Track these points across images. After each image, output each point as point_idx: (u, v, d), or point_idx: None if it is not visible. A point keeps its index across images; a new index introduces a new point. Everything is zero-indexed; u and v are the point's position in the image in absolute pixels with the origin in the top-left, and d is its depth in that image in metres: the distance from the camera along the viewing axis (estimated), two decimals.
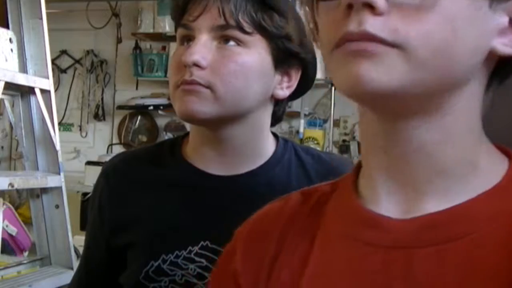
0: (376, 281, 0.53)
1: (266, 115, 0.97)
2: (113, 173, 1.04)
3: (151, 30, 4.32)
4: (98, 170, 3.88)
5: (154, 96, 4.46)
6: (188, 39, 0.90)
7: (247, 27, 0.88)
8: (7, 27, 1.82)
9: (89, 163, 3.95)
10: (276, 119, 1.01)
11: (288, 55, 0.93)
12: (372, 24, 0.48)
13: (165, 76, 4.31)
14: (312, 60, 0.97)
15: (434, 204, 0.53)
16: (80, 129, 4.66)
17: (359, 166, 0.61)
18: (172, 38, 4.27)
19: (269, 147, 1.00)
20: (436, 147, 0.53)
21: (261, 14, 0.89)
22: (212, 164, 0.97)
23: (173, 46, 4.26)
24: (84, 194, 3.84)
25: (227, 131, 0.94)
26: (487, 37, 0.51)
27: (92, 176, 3.81)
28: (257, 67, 0.90)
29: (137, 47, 4.44)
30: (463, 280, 0.50)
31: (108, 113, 4.62)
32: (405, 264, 0.52)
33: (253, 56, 0.90)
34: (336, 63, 0.51)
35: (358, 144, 4.01)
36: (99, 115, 4.60)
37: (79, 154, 4.62)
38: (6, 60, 1.72)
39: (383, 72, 0.48)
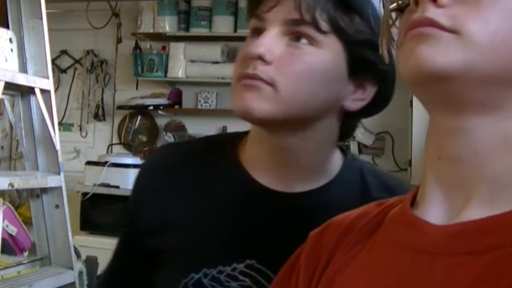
0: (400, 282, 0.54)
1: (332, 127, 0.87)
2: (156, 167, 0.96)
3: (151, 30, 4.32)
4: (98, 170, 3.87)
5: (154, 96, 4.46)
6: (259, 31, 0.82)
7: (323, 25, 0.79)
8: (7, 27, 1.82)
9: (89, 163, 3.95)
10: (343, 135, 0.90)
11: (365, 65, 0.82)
12: (432, 11, 0.51)
13: (165, 76, 4.31)
14: (392, 76, 0.86)
15: (479, 213, 0.52)
16: (80, 129, 4.66)
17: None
18: (172, 38, 4.27)
19: (333, 165, 0.90)
20: (492, 152, 0.52)
21: (341, 14, 0.81)
22: (269, 176, 0.88)
23: (173, 46, 4.26)
24: (84, 194, 3.84)
25: (287, 139, 0.85)
26: None
27: (92, 176, 3.82)
28: (328, 71, 0.81)
29: (137, 47, 4.44)
30: None
31: (108, 113, 4.62)
32: (427, 269, 0.52)
33: (325, 59, 0.81)
34: (402, 54, 0.53)
35: (358, 144, 4.01)
36: (99, 115, 4.59)
37: (79, 154, 4.62)
38: (6, 60, 1.72)
39: (439, 53, 0.50)
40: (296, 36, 0.80)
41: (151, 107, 4.37)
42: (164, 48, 4.37)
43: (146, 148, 4.45)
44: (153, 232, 0.92)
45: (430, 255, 0.52)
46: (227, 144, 0.93)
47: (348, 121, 0.89)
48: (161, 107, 4.36)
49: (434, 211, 0.56)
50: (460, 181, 0.54)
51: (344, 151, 0.94)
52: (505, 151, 0.52)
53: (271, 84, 0.80)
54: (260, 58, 0.79)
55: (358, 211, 0.68)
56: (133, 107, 4.43)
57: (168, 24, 4.26)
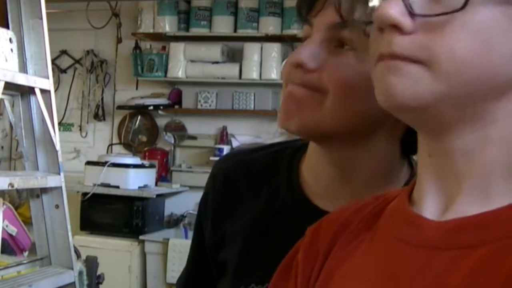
0: (400, 276, 0.55)
1: (391, 141, 0.82)
2: (222, 178, 0.94)
3: (151, 30, 4.32)
4: (98, 170, 3.87)
5: (154, 96, 4.47)
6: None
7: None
8: (7, 27, 1.82)
9: (89, 163, 3.95)
10: (408, 146, 0.83)
11: None
12: (399, 44, 0.51)
13: (165, 76, 4.31)
14: None
15: (471, 207, 0.54)
16: (80, 129, 4.66)
17: None
18: (172, 38, 4.28)
19: (398, 180, 0.84)
20: (480, 152, 0.54)
21: None
22: (327, 196, 0.84)
23: (173, 46, 4.26)
24: (84, 194, 3.84)
25: (344, 154, 0.82)
26: None
27: (92, 176, 3.82)
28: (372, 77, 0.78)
29: (137, 47, 4.44)
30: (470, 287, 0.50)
31: (108, 113, 4.62)
32: (427, 263, 0.53)
33: (368, 65, 0.78)
34: (375, 79, 0.55)
35: None
36: (99, 115, 4.60)
37: (79, 154, 4.63)
38: (6, 60, 1.72)
39: (408, 86, 0.51)
40: (340, 43, 0.77)
41: (151, 107, 4.37)
42: (164, 48, 4.37)
43: (146, 148, 4.45)
44: (216, 244, 0.93)
45: (429, 250, 0.54)
46: (290, 158, 0.91)
47: (410, 136, 0.79)
48: (161, 107, 4.36)
49: (430, 206, 0.57)
50: (451, 178, 0.56)
51: (411, 163, 0.87)
52: (491, 150, 0.53)
53: (316, 90, 0.77)
54: (302, 66, 0.77)
55: (355, 205, 0.68)
56: (133, 107, 4.43)
57: (168, 24, 4.26)
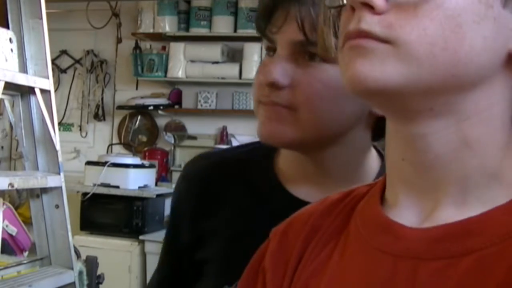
0: None
1: (363, 134, 0.84)
2: (195, 179, 0.94)
3: (151, 30, 4.32)
4: (98, 170, 3.86)
5: (154, 96, 4.47)
6: (274, 49, 0.81)
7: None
8: (7, 27, 1.82)
9: (89, 163, 3.95)
10: (376, 135, 0.87)
11: None
12: (368, 22, 0.49)
13: (165, 76, 4.31)
14: None
15: (450, 214, 0.52)
16: (80, 129, 4.66)
17: None
18: (172, 38, 4.27)
19: (370, 169, 0.87)
20: (454, 156, 0.52)
21: None
22: (305, 188, 0.86)
23: (173, 46, 4.26)
24: (84, 194, 3.84)
25: (318, 154, 0.83)
26: (504, 37, 0.49)
27: (92, 176, 3.82)
28: None
29: (137, 47, 4.44)
30: None
31: (108, 113, 4.62)
32: (410, 275, 0.51)
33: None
34: (341, 62, 0.52)
35: None
36: (99, 115, 4.60)
37: (79, 154, 4.63)
38: (6, 60, 1.72)
39: (375, 67, 0.48)
40: (308, 56, 0.78)
41: (151, 107, 4.37)
42: (164, 48, 4.37)
43: (146, 148, 4.45)
44: (193, 244, 0.92)
45: (412, 260, 0.51)
46: (264, 155, 0.92)
47: (381, 123, 0.86)
48: (161, 107, 4.36)
49: (407, 213, 0.55)
50: (428, 184, 0.54)
51: (380, 151, 0.91)
52: (467, 154, 0.51)
53: (289, 107, 0.78)
54: (273, 85, 0.78)
55: (322, 205, 0.66)
56: (133, 107, 4.43)
57: (168, 24, 4.26)
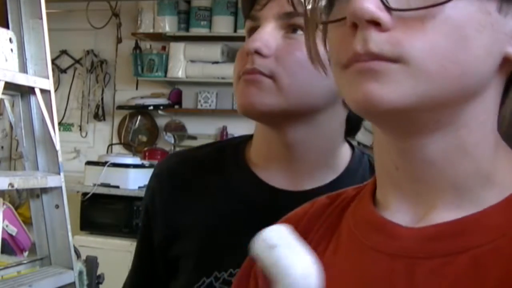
0: None
1: (337, 119, 0.86)
2: (167, 175, 0.95)
3: (151, 30, 4.32)
4: (98, 170, 3.85)
5: (154, 96, 4.47)
6: (256, 30, 0.83)
7: None
8: (7, 27, 1.82)
9: (89, 163, 3.95)
10: (352, 128, 0.89)
11: None
12: (376, 42, 0.47)
13: (165, 76, 4.31)
14: None
15: (444, 217, 0.52)
16: (80, 129, 4.66)
17: None
18: (172, 38, 4.27)
19: (342, 159, 0.89)
20: (449, 161, 0.52)
21: None
22: (278, 175, 0.87)
23: (173, 46, 4.26)
24: (84, 194, 3.84)
25: (292, 133, 0.84)
26: (500, 43, 0.49)
27: (92, 176, 3.82)
28: (327, 60, 0.80)
29: (137, 47, 4.44)
30: None
31: (108, 113, 4.62)
32: (407, 274, 0.51)
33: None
34: (346, 82, 0.50)
35: (358, 143, 4.01)
36: (99, 115, 4.60)
37: (79, 154, 4.63)
38: (6, 60, 1.72)
39: (391, 90, 0.47)
40: (292, 29, 0.80)
41: (151, 107, 4.37)
42: (164, 48, 4.37)
43: (146, 148, 4.45)
44: (168, 240, 0.92)
45: (408, 259, 0.52)
46: (234, 148, 0.94)
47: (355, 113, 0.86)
48: (161, 107, 4.36)
49: (400, 213, 0.55)
50: (422, 190, 0.54)
51: (352, 145, 0.92)
52: (462, 158, 0.52)
53: (271, 76, 0.80)
54: (257, 52, 0.80)
55: (310, 209, 0.66)
56: (133, 107, 4.43)
57: (168, 24, 4.26)
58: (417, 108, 0.48)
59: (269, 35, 0.80)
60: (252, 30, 0.84)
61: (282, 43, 0.80)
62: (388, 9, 0.47)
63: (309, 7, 0.55)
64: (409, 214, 0.54)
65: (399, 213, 0.55)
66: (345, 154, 0.90)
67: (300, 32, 0.80)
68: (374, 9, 0.46)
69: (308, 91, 0.81)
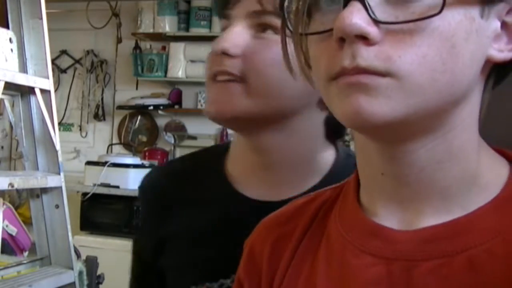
0: None
1: (313, 123, 0.83)
2: (150, 190, 0.96)
3: (151, 30, 4.32)
4: (98, 170, 3.85)
5: (154, 96, 4.46)
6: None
7: None
8: (7, 27, 1.82)
9: (89, 163, 3.95)
10: (332, 130, 0.85)
11: None
12: (365, 57, 0.46)
13: (165, 76, 4.31)
14: None
15: (433, 220, 0.53)
16: (80, 129, 4.66)
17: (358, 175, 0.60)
18: (172, 38, 4.27)
19: (323, 164, 0.85)
20: (438, 167, 0.52)
21: None
22: (255, 185, 0.84)
23: (173, 46, 4.26)
24: (84, 194, 3.84)
25: (264, 138, 0.81)
26: (483, 46, 0.49)
27: (92, 176, 3.82)
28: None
29: (137, 47, 4.44)
30: None
31: (108, 113, 4.62)
32: (406, 277, 0.51)
33: (292, 46, 0.78)
34: (334, 95, 0.50)
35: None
36: (99, 115, 4.60)
37: (79, 154, 4.63)
38: (6, 60, 1.72)
39: (382, 104, 0.47)
40: (261, 28, 0.78)
41: (151, 107, 4.37)
42: (164, 48, 4.37)
43: (146, 148, 4.45)
44: (155, 254, 0.92)
45: (405, 262, 0.52)
46: (213, 159, 0.91)
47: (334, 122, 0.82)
48: (161, 107, 4.36)
49: (389, 218, 0.55)
50: (409, 196, 0.54)
51: (338, 147, 0.89)
52: (449, 162, 0.52)
53: (240, 78, 0.77)
54: (225, 53, 0.77)
55: (287, 212, 0.66)
56: (133, 107, 4.43)
57: (168, 24, 4.26)
58: (408, 120, 0.48)
59: (237, 34, 0.78)
60: (225, 30, 0.82)
61: (252, 42, 0.78)
62: (376, 22, 0.46)
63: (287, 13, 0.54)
64: (396, 219, 0.54)
65: (387, 218, 0.55)
66: (327, 158, 0.86)
67: (270, 31, 0.77)
68: (363, 24, 0.46)
69: (278, 93, 0.77)
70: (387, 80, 0.46)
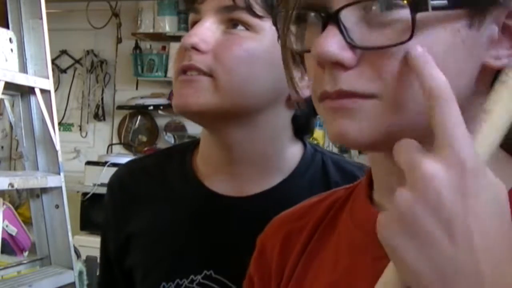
0: None
1: (280, 120, 0.83)
2: (117, 186, 0.95)
3: (151, 30, 4.32)
4: (98, 170, 3.85)
5: (154, 96, 4.46)
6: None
7: (258, 9, 0.75)
8: (7, 27, 1.82)
9: (89, 163, 3.95)
10: (300, 128, 0.86)
11: None
12: (346, 81, 0.47)
13: (165, 76, 4.31)
14: None
15: None
16: (80, 129, 4.65)
17: (370, 174, 0.60)
18: (172, 38, 4.27)
19: (290, 159, 0.86)
20: None
21: None
22: (221, 181, 0.85)
23: (173, 46, 4.25)
24: (84, 194, 3.84)
25: (230, 134, 0.81)
26: (475, 55, 0.48)
27: (92, 176, 3.81)
28: (267, 56, 0.76)
29: (137, 47, 4.44)
30: None
31: (108, 113, 4.62)
32: None
33: (264, 43, 0.76)
34: (322, 115, 0.51)
35: None
36: (99, 115, 4.59)
37: (79, 154, 4.62)
38: (6, 60, 1.72)
39: (365, 126, 0.47)
40: (232, 24, 0.77)
41: (151, 107, 4.37)
42: (164, 48, 4.37)
43: (146, 148, 4.45)
44: (121, 251, 0.91)
45: None
46: (180, 155, 0.91)
47: (301, 111, 0.82)
48: (161, 107, 4.36)
49: None
50: None
51: (305, 144, 0.89)
52: None
53: (208, 73, 0.77)
54: (194, 48, 0.76)
55: (299, 210, 0.66)
56: (133, 107, 4.43)
57: (168, 24, 4.26)
58: (396, 136, 0.47)
59: (207, 29, 0.77)
60: (194, 24, 0.81)
61: (221, 38, 0.77)
62: (352, 46, 0.46)
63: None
64: None
65: None
66: (294, 155, 0.86)
67: (240, 27, 0.77)
68: (337, 51, 0.46)
69: (246, 89, 0.77)
70: (370, 102, 0.47)
